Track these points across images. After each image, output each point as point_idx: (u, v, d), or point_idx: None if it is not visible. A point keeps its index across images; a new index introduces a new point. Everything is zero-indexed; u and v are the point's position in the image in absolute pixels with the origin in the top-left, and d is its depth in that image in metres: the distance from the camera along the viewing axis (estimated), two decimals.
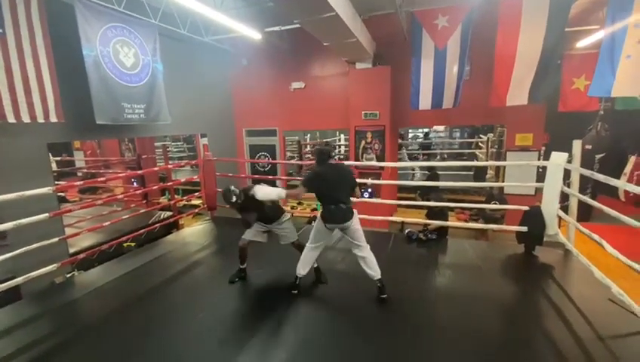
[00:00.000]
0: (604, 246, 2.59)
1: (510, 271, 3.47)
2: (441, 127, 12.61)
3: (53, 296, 3.16)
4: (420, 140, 12.56)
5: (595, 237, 2.77)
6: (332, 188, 2.73)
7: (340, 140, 12.53)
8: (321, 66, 6.89)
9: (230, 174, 5.75)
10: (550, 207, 3.57)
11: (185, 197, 5.89)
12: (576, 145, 3.48)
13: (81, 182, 4.93)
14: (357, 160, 6.25)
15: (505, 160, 5.92)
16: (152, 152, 8.20)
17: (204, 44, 6.07)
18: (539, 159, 5.45)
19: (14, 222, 2.91)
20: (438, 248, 3.98)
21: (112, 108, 4.25)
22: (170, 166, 6.27)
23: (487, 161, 7.39)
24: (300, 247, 3.13)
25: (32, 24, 3.34)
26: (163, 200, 7.98)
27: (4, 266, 3.00)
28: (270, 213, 3.04)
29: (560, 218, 3.60)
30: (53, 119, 3.63)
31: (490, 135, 7.93)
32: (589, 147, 6.17)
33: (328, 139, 12.95)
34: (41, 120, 3.52)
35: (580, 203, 3.45)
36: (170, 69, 5.23)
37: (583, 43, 5.19)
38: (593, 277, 2.73)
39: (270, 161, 7.61)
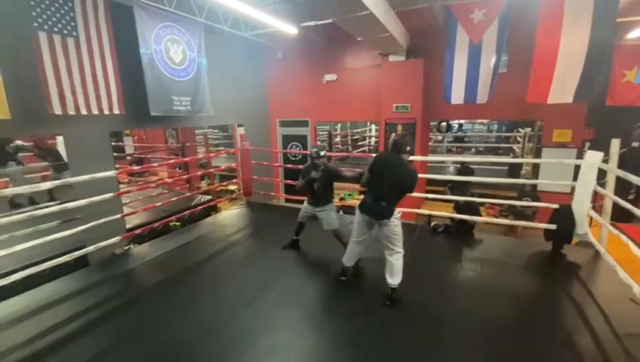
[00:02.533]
0: (630, 247, 2.59)
1: (535, 267, 3.49)
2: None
3: (115, 264, 3.69)
4: (454, 133, 12.25)
5: (623, 237, 2.76)
6: (382, 177, 2.61)
7: (370, 130, 12.55)
8: (353, 59, 6.98)
9: (265, 163, 6.10)
10: (581, 206, 3.52)
11: (224, 183, 6.33)
12: (614, 144, 3.38)
13: (139, 167, 5.50)
14: None
15: (540, 156, 5.74)
16: (193, 140, 8.79)
17: (242, 38, 6.37)
18: (580, 156, 5.22)
19: (87, 200, 3.43)
20: (463, 242, 4.05)
21: (163, 101, 4.69)
22: (212, 154, 6.73)
23: (522, 156, 7.14)
24: (338, 237, 3.41)
25: (99, 27, 3.80)
26: (203, 184, 8.59)
27: (75, 237, 3.52)
28: (323, 196, 3.38)
29: (591, 217, 3.55)
30: (116, 111, 4.12)
31: (528, 129, 7.63)
32: (636, 144, 5.80)
33: (358, 129, 13.00)
34: (106, 112, 4.01)
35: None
36: (211, 63, 5.57)
37: (634, 34, 4.86)
38: (618, 277, 2.73)
39: (301, 151, 7.89)
